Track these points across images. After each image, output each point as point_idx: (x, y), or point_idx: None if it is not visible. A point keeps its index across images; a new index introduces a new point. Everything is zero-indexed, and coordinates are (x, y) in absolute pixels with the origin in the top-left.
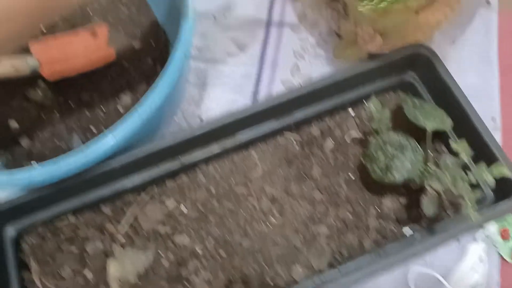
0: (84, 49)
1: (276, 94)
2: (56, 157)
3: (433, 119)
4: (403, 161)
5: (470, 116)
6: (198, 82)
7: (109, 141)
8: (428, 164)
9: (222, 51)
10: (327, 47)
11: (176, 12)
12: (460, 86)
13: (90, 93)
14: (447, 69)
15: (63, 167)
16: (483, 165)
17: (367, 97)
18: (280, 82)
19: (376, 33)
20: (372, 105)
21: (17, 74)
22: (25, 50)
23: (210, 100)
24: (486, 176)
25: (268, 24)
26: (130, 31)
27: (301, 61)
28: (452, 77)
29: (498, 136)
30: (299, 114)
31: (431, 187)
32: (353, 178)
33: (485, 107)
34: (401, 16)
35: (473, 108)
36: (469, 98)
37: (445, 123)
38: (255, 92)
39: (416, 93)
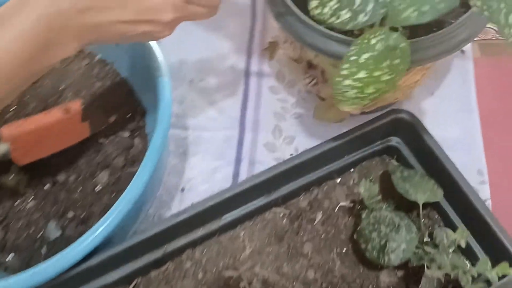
0: (58, 128)
1: (261, 171)
2: (32, 267)
3: (424, 191)
4: (399, 242)
5: (458, 182)
6: (178, 151)
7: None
8: (424, 245)
9: (202, 116)
10: (307, 106)
11: (152, 81)
12: (444, 139)
13: (66, 173)
14: (430, 134)
15: (40, 275)
16: (487, 261)
17: (353, 164)
18: (263, 146)
19: None
20: (362, 187)
21: None
22: None
23: (192, 169)
24: (490, 273)
25: (246, 85)
26: (105, 104)
27: (283, 122)
28: (436, 142)
29: (486, 190)
30: (286, 188)
31: (430, 269)
32: (346, 252)
33: (470, 160)
34: None
35: (460, 174)
36: (453, 151)
37: (436, 194)
38: (238, 158)
39: (401, 158)
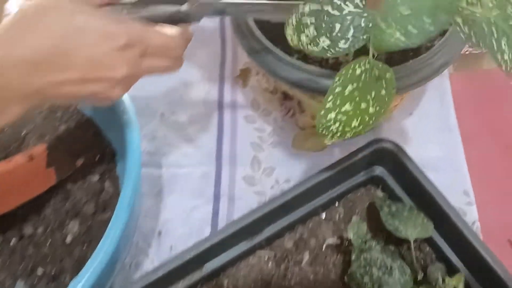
0: (22, 177)
1: (243, 215)
2: None
3: (414, 226)
4: (392, 286)
5: (448, 214)
6: (153, 192)
7: None
8: (419, 285)
9: (175, 153)
10: (285, 134)
11: (118, 119)
12: (426, 159)
13: (33, 225)
14: (414, 164)
15: None
16: None
17: (338, 197)
18: (242, 179)
19: None
20: (350, 231)
21: None
22: None
23: (168, 210)
24: None
25: (220, 116)
26: (71, 148)
27: (261, 153)
28: (421, 172)
29: (473, 211)
30: (270, 229)
31: None
32: None
33: (455, 180)
34: None
35: (449, 204)
36: (437, 172)
37: (427, 229)
38: (217, 195)
39: (387, 188)
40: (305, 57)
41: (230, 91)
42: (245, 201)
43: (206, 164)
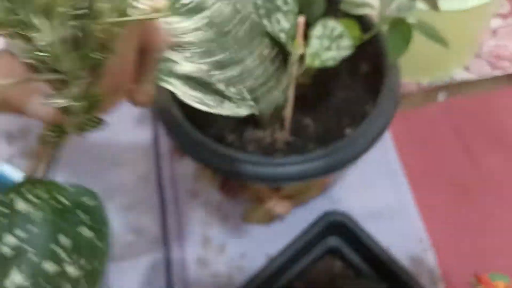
0: None
1: None
2: None
3: None
4: None
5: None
6: None
7: None
8: None
9: (117, 244)
10: (233, 205)
11: None
12: (376, 209)
13: None
14: (366, 232)
15: None
16: None
17: (298, 276)
18: (195, 262)
19: (282, 199)
20: None
21: None
22: None
23: None
24: None
25: (162, 195)
26: None
27: (211, 230)
28: (373, 239)
29: (431, 256)
30: None
31: None
32: None
33: (409, 227)
34: (303, 184)
35: (405, 270)
36: (389, 221)
37: None
38: (169, 285)
39: (344, 257)
40: (240, 137)
41: (168, 167)
42: (201, 286)
43: (153, 250)
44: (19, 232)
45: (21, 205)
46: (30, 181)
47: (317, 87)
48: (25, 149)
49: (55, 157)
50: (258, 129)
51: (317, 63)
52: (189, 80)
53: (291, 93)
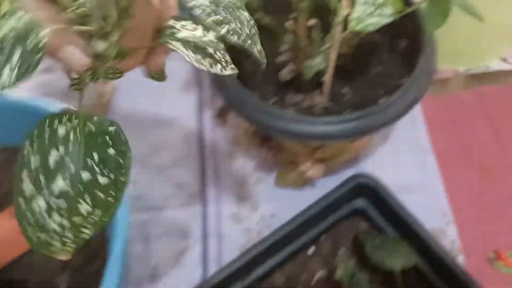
0: (6, 236)
1: (231, 260)
2: None
3: (398, 256)
4: None
5: (429, 244)
6: (141, 237)
7: None
8: None
9: (160, 195)
10: (267, 169)
11: None
12: (404, 184)
13: (23, 279)
14: (392, 196)
15: None
16: None
17: (324, 232)
18: (228, 217)
19: (316, 162)
20: (339, 271)
21: None
22: None
23: (158, 254)
24: None
25: (202, 156)
26: None
27: (245, 189)
28: (398, 202)
29: (453, 230)
30: (259, 270)
31: None
32: None
33: (433, 202)
34: (337, 147)
35: (429, 235)
36: (415, 195)
37: (411, 258)
38: (204, 235)
39: (370, 218)
40: (281, 100)
41: (210, 131)
42: (233, 239)
43: (191, 204)
44: (61, 148)
45: (60, 128)
46: (66, 112)
47: (357, 60)
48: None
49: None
50: (298, 93)
51: (359, 27)
52: (187, 43)
53: (333, 57)
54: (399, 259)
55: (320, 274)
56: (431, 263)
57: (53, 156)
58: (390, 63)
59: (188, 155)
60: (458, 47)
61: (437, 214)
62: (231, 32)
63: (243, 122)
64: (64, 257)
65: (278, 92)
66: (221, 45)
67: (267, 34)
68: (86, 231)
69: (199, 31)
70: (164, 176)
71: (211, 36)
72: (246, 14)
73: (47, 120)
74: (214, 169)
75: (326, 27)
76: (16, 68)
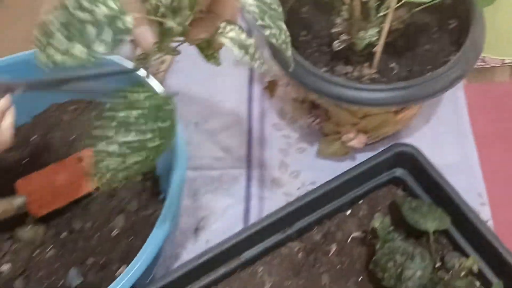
0: (71, 177)
1: (275, 210)
2: None
3: (432, 219)
4: (414, 270)
5: (463, 210)
6: (190, 192)
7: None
8: (438, 267)
9: (209, 157)
10: (310, 140)
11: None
12: (442, 164)
13: (82, 220)
14: (432, 166)
15: None
16: (500, 285)
17: (362, 196)
18: (271, 182)
19: (359, 132)
20: (377, 221)
21: (3, 215)
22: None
23: (203, 209)
24: None
25: (250, 124)
26: None
27: (288, 157)
28: (439, 173)
29: (486, 211)
30: (300, 223)
31: None
32: (363, 280)
33: (470, 183)
34: (382, 118)
35: (464, 202)
36: (452, 176)
37: (444, 222)
38: (247, 195)
39: (407, 188)
40: (332, 70)
41: (258, 102)
42: (274, 201)
43: (237, 167)
44: (140, 111)
45: (141, 95)
46: (145, 84)
47: (406, 37)
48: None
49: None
50: (348, 65)
51: None
52: (234, 41)
53: (386, 28)
54: (433, 221)
55: (355, 234)
56: (463, 230)
57: (134, 114)
58: (438, 42)
59: (236, 123)
60: (506, 37)
61: (473, 194)
62: (272, 35)
63: (293, 93)
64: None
65: (329, 62)
66: (259, 48)
67: (325, 7)
68: (121, 175)
69: (243, 35)
70: (214, 140)
71: (251, 41)
72: (284, 25)
73: (135, 88)
74: (260, 137)
75: (381, 0)
76: (111, 42)
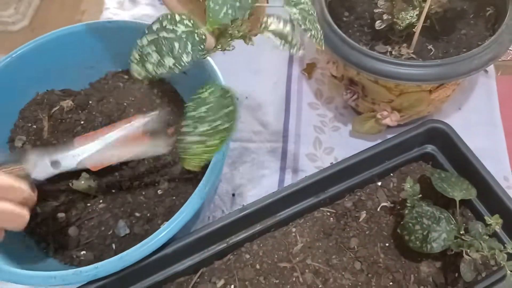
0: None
1: (310, 174)
2: (120, 254)
3: (460, 189)
4: (440, 232)
5: (490, 183)
6: (228, 161)
7: (166, 234)
8: (462, 233)
9: (248, 130)
10: (344, 120)
11: None
12: (472, 150)
13: (130, 179)
14: (463, 142)
15: (126, 261)
16: None
17: (392, 169)
18: (305, 156)
19: (393, 110)
20: (408, 184)
21: None
22: None
23: (241, 177)
24: None
25: (287, 102)
26: (164, 118)
27: (322, 135)
28: (469, 148)
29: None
30: (332, 190)
31: (468, 255)
32: (389, 246)
33: (497, 168)
34: (416, 96)
35: (492, 176)
36: (481, 160)
37: (471, 192)
38: (282, 167)
39: (437, 164)
40: (372, 48)
41: (296, 82)
42: (307, 174)
43: (274, 141)
44: (206, 106)
45: (205, 94)
46: (209, 83)
47: (444, 22)
48: None
49: None
50: (387, 45)
51: None
52: (275, 33)
53: (426, 8)
54: (460, 191)
55: (384, 204)
56: (488, 201)
57: (202, 110)
58: (474, 27)
59: (275, 101)
60: None
61: (499, 178)
62: (312, 36)
63: (332, 70)
64: (196, 169)
65: (369, 42)
66: (297, 35)
67: None
68: (207, 155)
69: (281, 24)
70: (253, 115)
71: (288, 28)
72: (319, 26)
73: (200, 89)
74: (297, 114)
75: None
76: (191, 52)
